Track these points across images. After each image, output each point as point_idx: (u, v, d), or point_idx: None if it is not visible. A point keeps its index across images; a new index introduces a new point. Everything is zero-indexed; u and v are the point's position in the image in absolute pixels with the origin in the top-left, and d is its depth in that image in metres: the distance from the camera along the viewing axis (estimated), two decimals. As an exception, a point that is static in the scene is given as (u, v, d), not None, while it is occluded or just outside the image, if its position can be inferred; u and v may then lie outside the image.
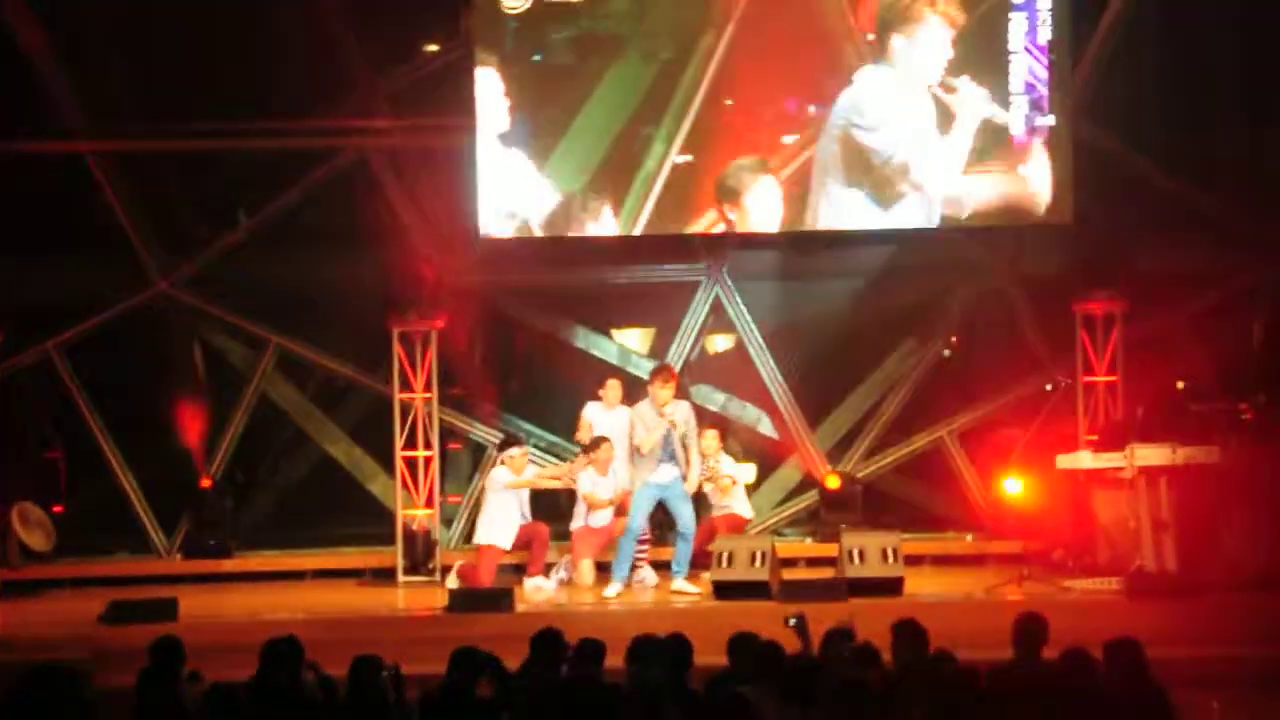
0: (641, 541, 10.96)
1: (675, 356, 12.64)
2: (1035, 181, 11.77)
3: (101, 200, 12.37)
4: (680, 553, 10.43)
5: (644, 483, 10.44)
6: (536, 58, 11.75)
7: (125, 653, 8.00)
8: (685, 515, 10.43)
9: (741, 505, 11.36)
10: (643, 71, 11.76)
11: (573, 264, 12.48)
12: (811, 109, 11.75)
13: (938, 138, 11.67)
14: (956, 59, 11.64)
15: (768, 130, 11.75)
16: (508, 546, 10.80)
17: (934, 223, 11.80)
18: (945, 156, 11.70)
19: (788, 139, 11.77)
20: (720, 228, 11.84)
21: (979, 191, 11.75)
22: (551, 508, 11.55)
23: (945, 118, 11.68)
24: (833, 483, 12.24)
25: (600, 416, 11.13)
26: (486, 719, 5.61)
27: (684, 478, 10.49)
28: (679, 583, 10.38)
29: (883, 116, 11.66)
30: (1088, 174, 11.81)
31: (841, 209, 11.75)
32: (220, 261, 12.61)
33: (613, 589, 10.28)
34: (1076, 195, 11.75)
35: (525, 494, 11.00)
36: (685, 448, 10.48)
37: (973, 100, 11.62)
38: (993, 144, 11.71)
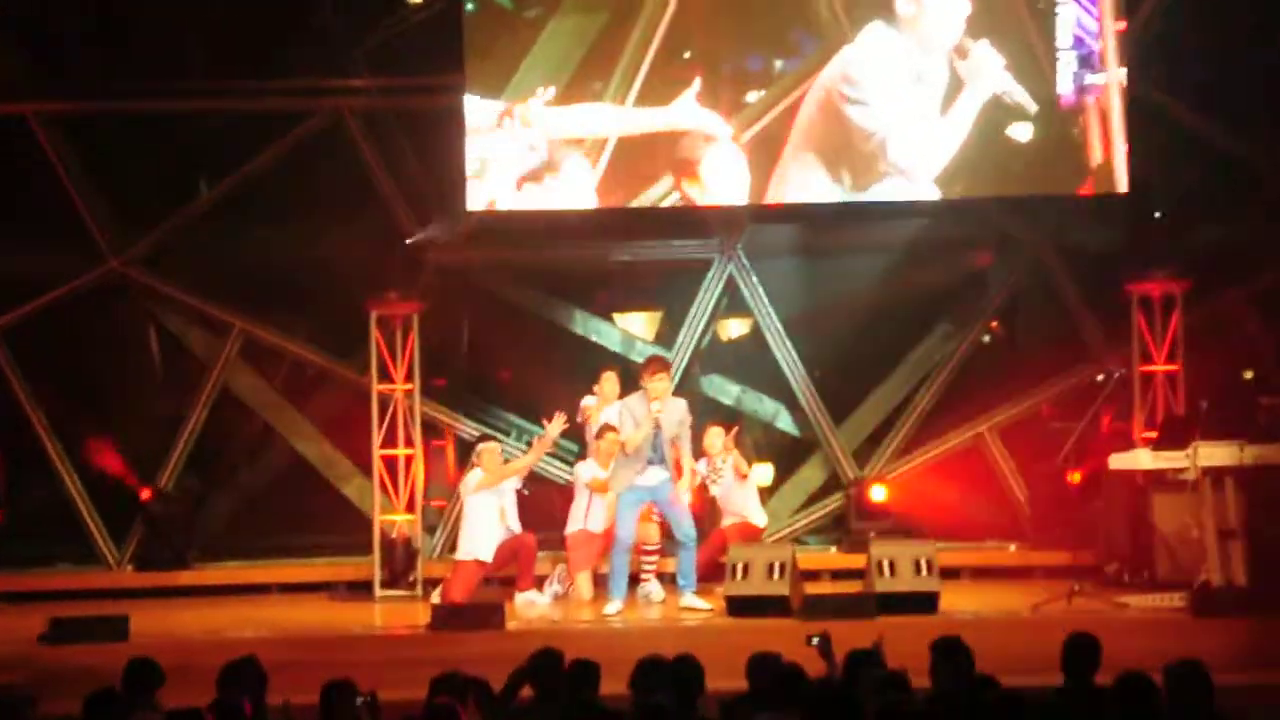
0: (648, 552, 10.92)
1: (684, 344, 12.61)
2: (1085, 146, 11.70)
3: (46, 168, 12.32)
4: (683, 564, 10.36)
5: (629, 486, 10.34)
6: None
7: (69, 676, 7.98)
8: (683, 521, 10.34)
9: (755, 512, 11.30)
10: (586, 24, 11.59)
11: (570, 240, 12.44)
12: (779, 64, 11.63)
13: (938, 117, 11.51)
14: (979, 15, 11.49)
15: (728, 88, 11.59)
16: (488, 559, 10.74)
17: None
18: (942, 139, 11.54)
19: (751, 97, 11.64)
20: (675, 199, 11.71)
21: (1021, 157, 11.68)
22: (546, 517, 11.52)
23: (955, 88, 11.55)
24: (878, 495, 12.15)
25: (598, 415, 11.08)
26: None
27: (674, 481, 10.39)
28: (687, 598, 10.33)
29: (877, 89, 11.50)
30: (1144, 137, 11.74)
31: (808, 185, 11.60)
32: (178, 237, 12.59)
33: (612, 607, 10.24)
34: (1131, 161, 11.69)
35: (511, 502, 10.91)
36: (677, 450, 10.35)
37: (987, 71, 11.48)
38: (1036, 104, 11.64)
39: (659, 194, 11.79)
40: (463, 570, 10.71)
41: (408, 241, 11.88)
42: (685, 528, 10.31)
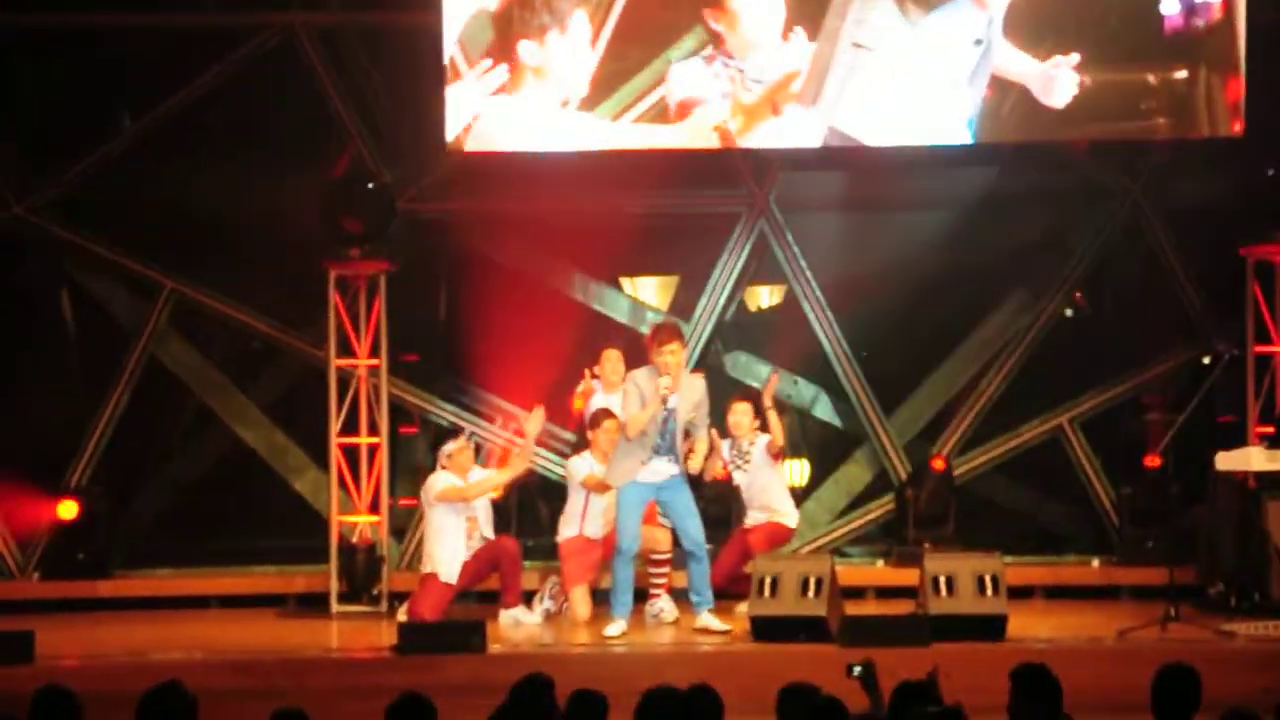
0: (657, 562, 10.98)
1: (704, 314, 12.65)
2: (1192, 82, 11.72)
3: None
4: (695, 577, 10.41)
5: (631, 480, 10.35)
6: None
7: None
8: (690, 527, 10.36)
9: (784, 506, 11.27)
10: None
11: (570, 188, 12.48)
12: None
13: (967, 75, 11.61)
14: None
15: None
16: (452, 580, 10.80)
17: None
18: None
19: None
20: (707, 52, 11.72)
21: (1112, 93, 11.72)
22: (531, 522, 11.58)
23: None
24: (938, 465, 12.20)
25: (598, 402, 11.13)
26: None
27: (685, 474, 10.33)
28: (704, 617, 10.40)
29: (887, 36, 11.53)
30: (1264, 71, 11.74)
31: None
32: (97, 179, 12.62)
33: (615, 627, 10.30)
34: (1250, 102, 11.69)
35: (483, 506, 10.97)
36: (691, 437, 10.35)
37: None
38: (1136, 32, 11.67)
39: (690, 46, 11.79)
40: (433, 583, 10.78)
41: (372, 186, 11.90)
42: (694, 534, 10.35)
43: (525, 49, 11.78)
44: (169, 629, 11.03)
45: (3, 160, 12.57)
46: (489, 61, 11.77)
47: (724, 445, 11.10)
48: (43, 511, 12.19)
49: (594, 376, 11.21)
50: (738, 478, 11.19)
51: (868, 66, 11.75)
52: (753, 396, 11.37)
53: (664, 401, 10.21)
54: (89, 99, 12.70)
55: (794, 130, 11.82)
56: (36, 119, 12.69)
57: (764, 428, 11.07)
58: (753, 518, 11.23)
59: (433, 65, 11.80)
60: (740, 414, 11.12)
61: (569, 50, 11.81)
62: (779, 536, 11.21)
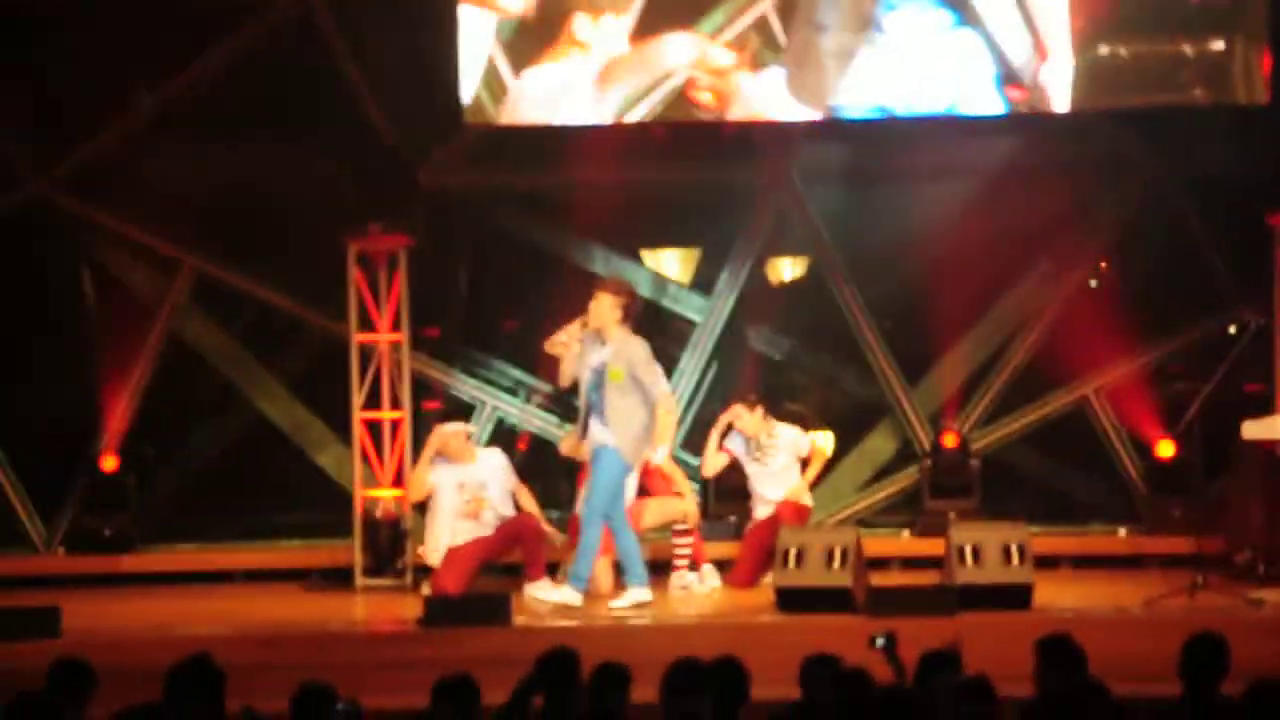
0: (681, 533, 10.98)
1: (726, 287, 12.63)
2: (1227, 54, 11.65)
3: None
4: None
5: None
6: None
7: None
8: (589, 501, 10.25)
9: (804, 492, 11.31)
10: None
11: (589, 161, 12.46)
12: None
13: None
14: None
15: None
16: (434, 563, 10.79)
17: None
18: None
19: None
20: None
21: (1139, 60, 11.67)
22: (551, 497, 11.58)
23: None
24: (950, 441, 12.19)
25: None
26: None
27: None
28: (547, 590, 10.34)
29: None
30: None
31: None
32: (115, 154, 12.62)
33: (627, 599, 10.25)
34: (1276, 67, 11.63)
35: (498, 483, 10.95)
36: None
37: None
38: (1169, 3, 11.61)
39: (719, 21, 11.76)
40: (455, 555, 10.79)
41: (391, 161, 11.90)
42: (587, 509, 10.25)
43: (580, 23, 11.75)
44: (194, 603, 11.09)
45: (22, 137, 12.58)
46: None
47: (734, 441, 11.09)
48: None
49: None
50: (750, 469, 11.17)
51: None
52: (753, 398, 11.27)
53: (561, 348, 10.21)
54: (107, 75, 12.67)
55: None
56: (55, 95, 12.69)
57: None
58: (761, 511, 11.22)
59: (450, 38, 11.77)
60: (745, 418, 11.10)
61: (618, 33, 11.77)
62: (801, 514, 11.22)
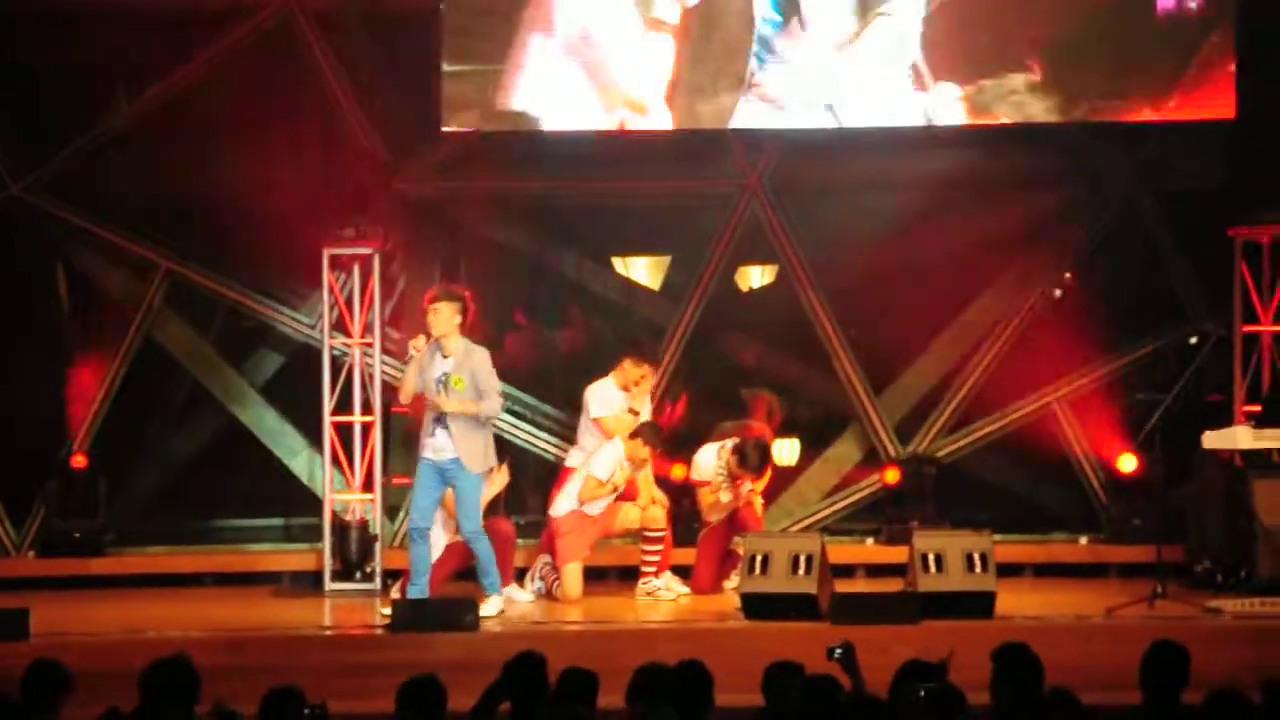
0: (650, 539, 10.98)
1: (695, 294, 12.63)
2: (1184, 62, 11.69)
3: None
4: (477, 563, 10.26)
5: (420, 454, 10.24)
6: None
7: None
8: (462, 517, 10.19)
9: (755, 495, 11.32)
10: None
11: (563, 168, 12.46)
12: None
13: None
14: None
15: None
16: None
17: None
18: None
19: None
20: None
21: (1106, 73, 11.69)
22: (518, 502, 11.55)
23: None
24: (891, 477, 12.24)
25: (612, 401, 11.17)
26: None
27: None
28: (493, 602, 10.22)
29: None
30: (1260, 54, 11.72)
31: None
32: (92, 159, 12.58)
33: (490, 606, 10.10)
34: (1242, 84, 11.67)
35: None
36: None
37: None
38: (1130, 15, 11.64)
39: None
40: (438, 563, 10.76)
41: (366, 166, 11.89)
42: (465, 526, 10.17)
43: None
44: (163, 606, 11.03)
45: (0, 139, 12.52)
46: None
47: (721, 495, 11.05)
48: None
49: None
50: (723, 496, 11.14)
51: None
52: (735, 439, 11.13)
53: (411, 361, 10.08)
54: (86, 79, 12.65)
55: (788, 110, 11.83)
56: (34, 99, 12.65)
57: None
58: (718, 513, 11.18)
59: (429, 44, 11.77)
60: (709, 457, 11.05)
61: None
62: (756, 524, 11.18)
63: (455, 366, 10.14)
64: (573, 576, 10.92)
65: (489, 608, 10.20)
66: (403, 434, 12.29)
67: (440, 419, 10.14)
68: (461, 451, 10.14)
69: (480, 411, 10.13)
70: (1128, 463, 12.06)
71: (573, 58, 11.81)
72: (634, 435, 10.90)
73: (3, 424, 12.37)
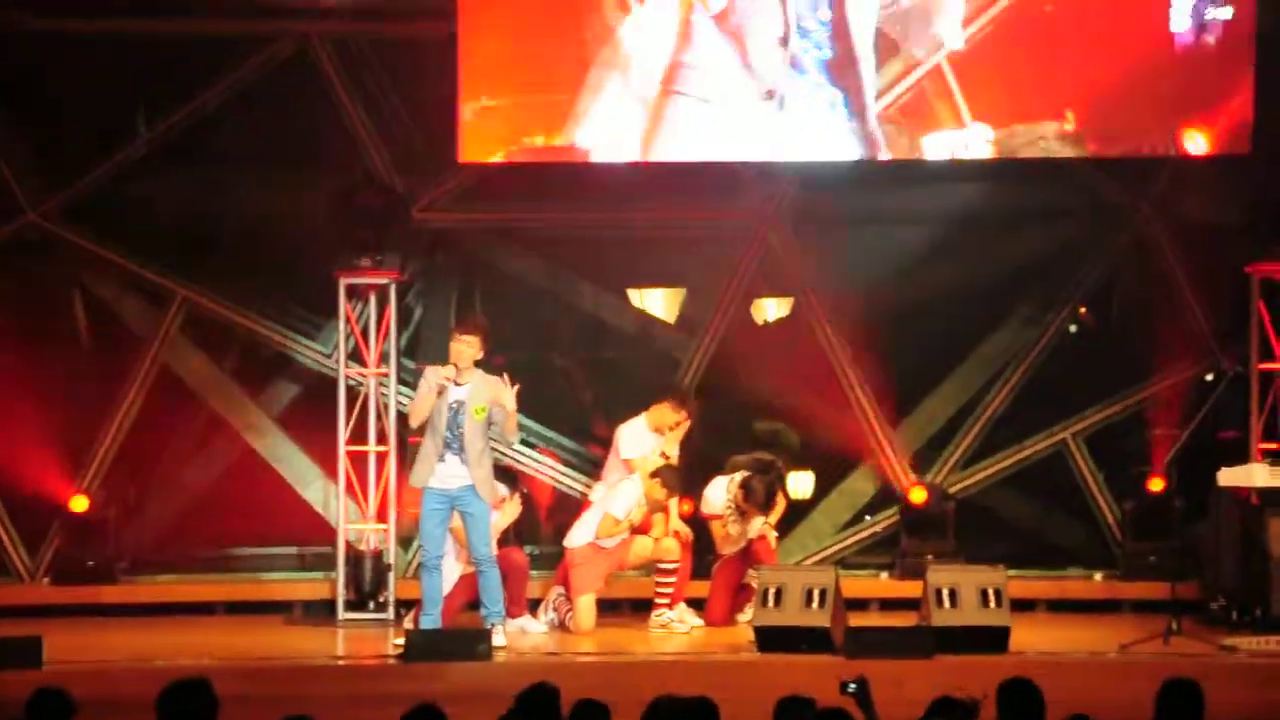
0: (665, 572, 10.96)
1: (712, 327, 12.62)
2: (1201, 96, 11.68)
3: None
4: (481, 589, 10.24)
5: (425, 483, 10.19)
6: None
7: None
8: (476, 541, 10.19)
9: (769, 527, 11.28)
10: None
11: (579, 200, 12.47)
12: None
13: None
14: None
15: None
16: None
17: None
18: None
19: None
20: None
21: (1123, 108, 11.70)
22: (532, 533, 11.56)
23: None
24: (917, 496, 12.21)
25: (642, 442, 11.19)
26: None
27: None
28: (499, 634, 10.18)
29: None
30: (1276, 90, 11.71)
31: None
32: (111, 185, 12.61)
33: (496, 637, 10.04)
34: (1261, 117, 11.67)
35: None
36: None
37: None
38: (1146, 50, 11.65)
39: None
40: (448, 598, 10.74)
41: (383, 196, 11.90)
42: (478, 549, 10.18)
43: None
44: (177, 635, 11.03)
45: (18, 166, 12.56)
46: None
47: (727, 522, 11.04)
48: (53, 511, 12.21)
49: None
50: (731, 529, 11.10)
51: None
52: (746, 472, 11.09)
53: (439, 391, 10.04)
54: (104, 106, 12.68)
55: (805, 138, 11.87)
56: (52, 125, 12.69)
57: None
58: (732, 546, 11.16)
59: (447, 74, 11.79)
60: (718, 490, 11.04)
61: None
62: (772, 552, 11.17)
63: (473, 393, 10.14)
64: (586, 608, 10.90)
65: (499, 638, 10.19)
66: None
67: (451, 445, 10.12)
68: (476, 478, 10.14)
69: (510, 439, 10.21)
70: (1156, 483, 11.99)
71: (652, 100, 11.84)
72: (654, 475, 10.89)
73: (19, 450, 12.37)
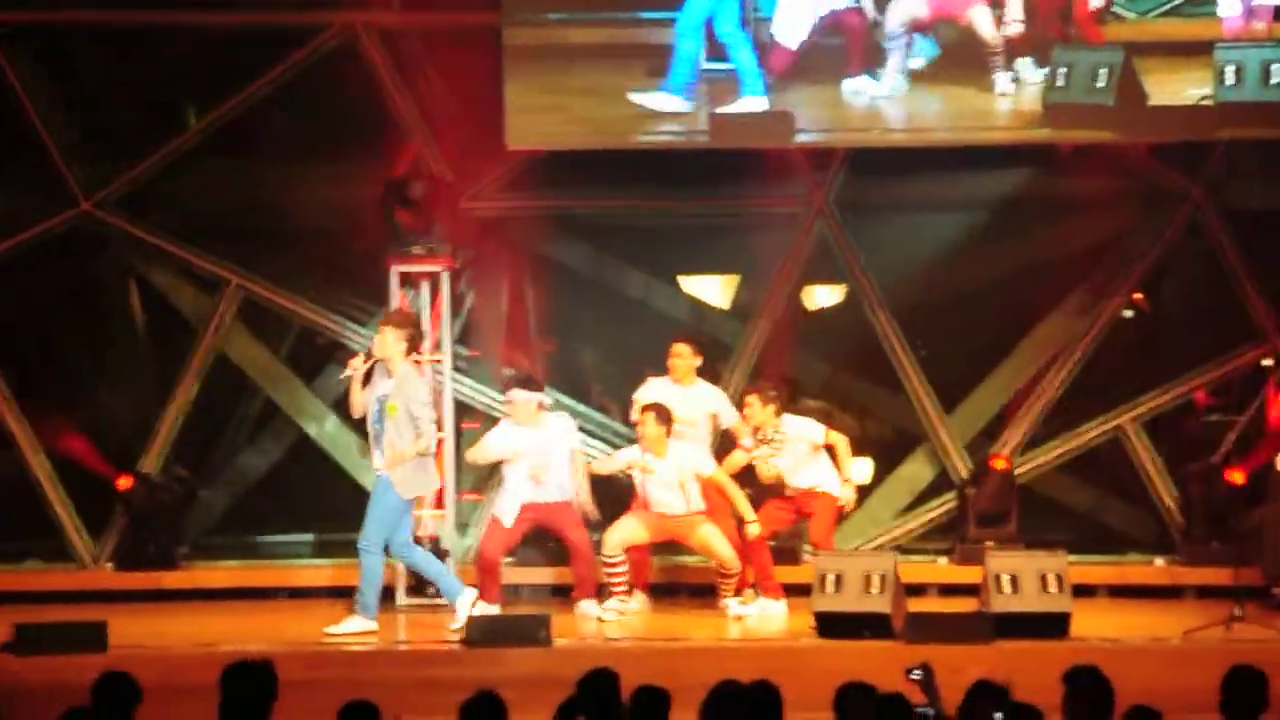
0: (727, 571, 10.89)
1: (764, 313, 12.60)
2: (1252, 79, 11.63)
3: (4, 91, 12.41)
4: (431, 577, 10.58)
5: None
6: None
7: (39, 692, 8.09)
8: (368, 525, 10.47)
9: (829, 480, 11.08)
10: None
11: (629, 187, 12.47)
12: None
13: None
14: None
15: None
16: (507, 525, 10.84)
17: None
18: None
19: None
20: None
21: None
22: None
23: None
24: (999, 465, 12.11)
25: (666, 393, 11.09)
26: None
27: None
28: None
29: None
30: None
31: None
32: (164, 175, 12.68)
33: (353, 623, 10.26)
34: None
35: (560, 454, 10.92)
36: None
37: None
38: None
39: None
40: (492, 525, 10.91)
41: (433, 184, 11.94)
42: (368, 532, 10.37)
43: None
44: (239, 620, 11.12)
45: (73, 157, 12.64)
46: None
47: (745, 440, 11.01)
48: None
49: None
50: (767, 469, 10.99)
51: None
52: (761, 387, 11.14)
53: (345, 382, 10.31)
54: (156, 96, 12.77)
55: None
56: (105, 116, 12.77)
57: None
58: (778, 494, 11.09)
59: (494, 64, 11.81)
60: (751, 405, 10.94)
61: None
62: (829, 511, 10.98)
63: (394, 390, 10.30)
64: (612, 529, 10.81)
65: (347, 625, 10.29)
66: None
67: (378, 438, 10.34)
68: (394, 473, 10.34)
69: (410, 448, 10.33)
70: (1237, 476, 11.89)
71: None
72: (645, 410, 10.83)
73: (81, 439, 12.46)
